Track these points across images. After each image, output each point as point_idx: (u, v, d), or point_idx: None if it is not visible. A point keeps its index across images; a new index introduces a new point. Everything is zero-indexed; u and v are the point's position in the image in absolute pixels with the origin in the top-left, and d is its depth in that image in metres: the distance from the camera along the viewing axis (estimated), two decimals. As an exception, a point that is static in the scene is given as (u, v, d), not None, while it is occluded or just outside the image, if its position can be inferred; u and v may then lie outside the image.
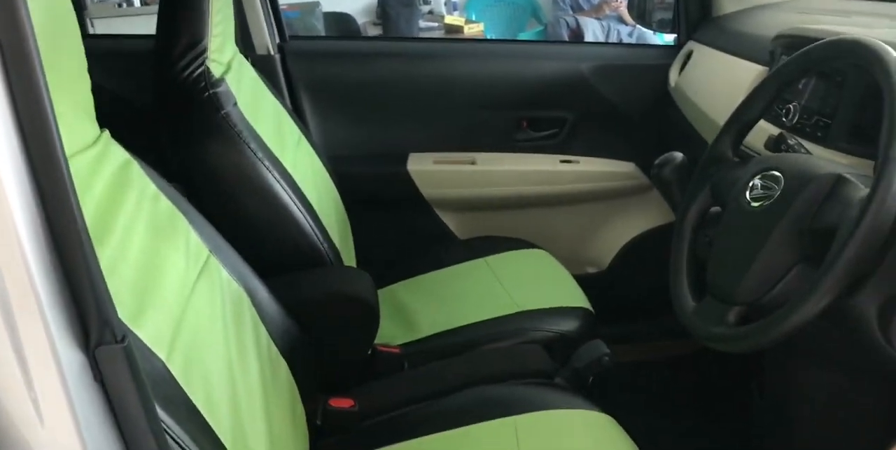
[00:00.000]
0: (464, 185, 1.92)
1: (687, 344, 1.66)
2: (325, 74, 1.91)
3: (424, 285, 1.67)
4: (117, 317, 0.53)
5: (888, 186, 0.78)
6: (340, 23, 5.15)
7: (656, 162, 1.28)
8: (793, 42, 1.24)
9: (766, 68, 1.36)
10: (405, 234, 1.92)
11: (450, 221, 1.96)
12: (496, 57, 2.00)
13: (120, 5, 4.34)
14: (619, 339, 1.46)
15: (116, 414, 0.54)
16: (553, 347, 1.43)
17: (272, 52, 1.81)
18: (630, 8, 2.86)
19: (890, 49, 0.86)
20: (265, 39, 1.79)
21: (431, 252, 1.78)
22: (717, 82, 1.57)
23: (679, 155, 1.26)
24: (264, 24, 1.78)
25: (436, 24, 5.15)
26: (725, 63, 1.57)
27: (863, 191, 0.84)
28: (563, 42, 4.57)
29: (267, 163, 1.34)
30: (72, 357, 0.52)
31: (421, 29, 5.14)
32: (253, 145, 1.32)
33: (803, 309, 0.83)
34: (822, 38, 1.02)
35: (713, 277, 1.02)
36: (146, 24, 2.20)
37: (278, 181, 1.35)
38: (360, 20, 5.38)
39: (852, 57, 0.92)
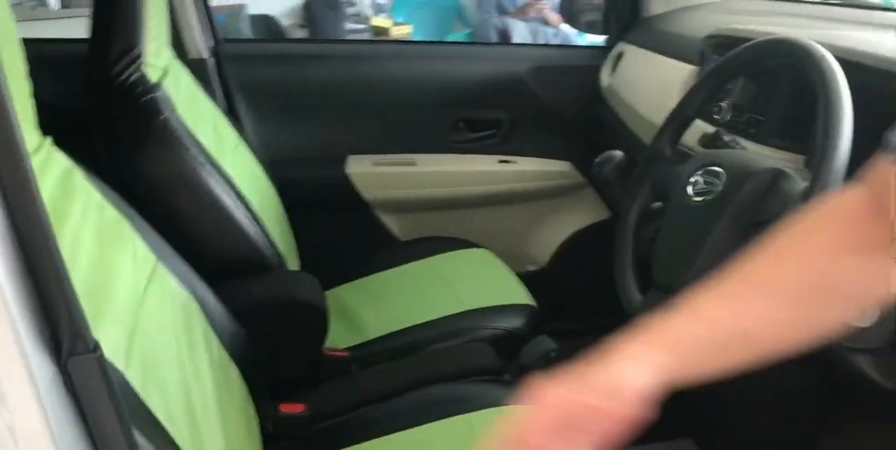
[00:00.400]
0: (404, 186, 1.92)
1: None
2: (259, 78, 1.88)
3: (369, 288, 1.66)
4: (87, 326, 0.52)
5: (825, 179, 0.82)
6: (264, 26, 5.07)
7: (596, 160, 1.31)
8: (723, 42, 1.29)
9: (697, 68, 1.40)
10: (347, 237, 1.91)
11: (391, 222, 1.96)
12: (430, 58, 2.00)
13: (34, 8, 4.17)
14: (565, 334, 1.48)
15: (90, 428, 0.52)
16: (500, 344, 1.44)
17: (206, 56, 1.78)
18: (560, 10, 2.90)
19: (823, 49, 0.91)
20: (198, 43, 1.76)
21: (374, 254, 1.78)
22: (649, 82, 1.61)
23: (619, 153, 1.29)
24: (197, 28, 1.75)
25: (362, 27, 5.12)
26: (656, 63, 1.61)
27: (801, 184, 0.88)
28: (497, 44, 4.61)
29: (208, 168, 1.32)
30: (45, 370, 0.50)
31: (347, 31, 5.10)
32: (193, 150, 1.30)
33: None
34: (753, 39, 1.06)
35: (658, 270, 1.05)
36: (62, 29, 2.13)
37: (220, 186, 1.33)
38: (285, 22, 5.30)
39: (787, 56, 0.96)
